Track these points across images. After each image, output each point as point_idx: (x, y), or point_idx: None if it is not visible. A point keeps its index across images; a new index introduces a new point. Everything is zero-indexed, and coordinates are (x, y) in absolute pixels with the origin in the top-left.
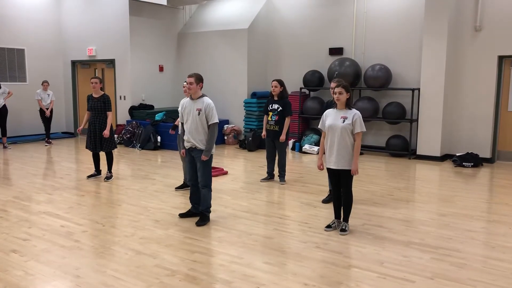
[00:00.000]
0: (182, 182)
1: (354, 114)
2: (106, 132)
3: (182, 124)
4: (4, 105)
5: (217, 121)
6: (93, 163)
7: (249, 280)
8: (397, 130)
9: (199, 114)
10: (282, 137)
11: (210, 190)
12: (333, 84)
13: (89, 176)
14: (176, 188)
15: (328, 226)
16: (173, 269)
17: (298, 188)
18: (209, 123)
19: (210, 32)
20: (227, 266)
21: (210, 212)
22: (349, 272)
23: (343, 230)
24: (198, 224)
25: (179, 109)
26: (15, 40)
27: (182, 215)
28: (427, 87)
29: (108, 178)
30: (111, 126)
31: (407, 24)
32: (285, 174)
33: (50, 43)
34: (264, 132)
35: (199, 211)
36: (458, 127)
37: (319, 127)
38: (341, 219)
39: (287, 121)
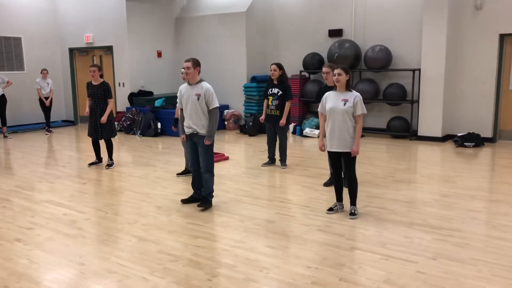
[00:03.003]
0: (183, 168)
1: (355, 96)
2: (103, 119)
3: (182, 110)
4: (3, 95)
5: (218, 105)
6: (93, 151)
7: (252, 264)
8: (398, 112)
9: (198, 99)
10: (282, 121)
11: (212, 174)
12: (324, 69)
13: (90, 164)
14: (177, 174)
15: (330, 209)
16: (176, 255)
17: (300, 171)
18: (209, 108)
19: (208, 16)
20: (230, 250)
21: (212, 197)
22: (352, 254)
23: (352, 214)
24: (200, 206)
25: (178, 95)
26: (11, 29)
27: (184, 201)
28: (428, 68)
29: (110, 165)
30: (112, 113)
31: (407, 4)
32: (286, 159)
33: (47, 31)
34: (263, 117)
35: (202, 196)
36: (459, 107)
37: (318, 110)
38: (342, 201)
39: (288, 105)
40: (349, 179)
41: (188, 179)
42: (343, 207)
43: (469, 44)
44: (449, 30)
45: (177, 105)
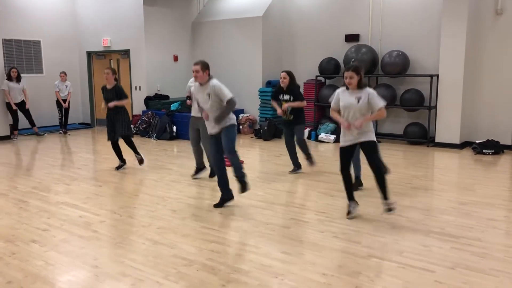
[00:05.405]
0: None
1: (369, 93)
2: (112, 104)
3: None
4: (23, 101)
5: (231, 96)
6: (114, 155)
7: (266, 270)
8: (415, 118)
9: (209, 98)
10: (291, 104)
11: (236, 155)
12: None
13: (117, 168)
14: (193, 176)
15: (349, 212)
16: (190, 259)
17: (315, 177)
18: (224, 103)
19: (224, 20)
20: (244, 256)
21: (245, 175)
22: (368, 262)
23: (390, 210)
24: (242, 191)
25: (188, 84)
26: (31, 32)
27: (216, 206)
28: (446, 73)
29: (141, 161)
30: (127, 113)
31: (425, 9)
32: (311, 156)
33: (65, 35)
34: (279, 110)
35: (237, 180)
36: (478, 113)
37: (329, 100)
38: (355, 199)
39: (300, 103)
40: (377, 171)
41: (202, 182)
42: (357, 204)
43: (489, 50)
44: (468, 35)
45: (186, 89)
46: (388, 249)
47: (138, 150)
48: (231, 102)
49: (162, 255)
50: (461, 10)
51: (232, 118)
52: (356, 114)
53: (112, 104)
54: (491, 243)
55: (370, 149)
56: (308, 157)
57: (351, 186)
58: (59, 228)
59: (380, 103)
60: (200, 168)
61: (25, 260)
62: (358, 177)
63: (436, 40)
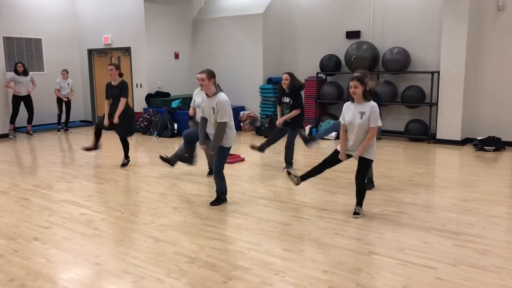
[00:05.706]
0: (208, 169)
1: (371, 107)
2: (116, 119)
3: (202, 118)
4: (29, 95)
5: (226, 120)
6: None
7: (268, 267)
8: (417, 114)
9: (213, 112)
10: (279, 121)
11: (222, 178)
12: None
13: (87, 149)
14: (161, 156)
15: (289, 173)
16: (192, 256)
17: None
18: (218, 120)
19: (225, 17)
20: (245, 253)
21: (225, 194)
22: (369, 259)
23: (356, 213)
24: (213, 204)
25: (193, 96)
26: (32, 30)
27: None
28: (447, 70)
29: (125, 165)
30: (131, 111)
31: (426, 5)
32: (291, 162)
33: (66, 32)
34: (279, 121)
35: (216, 196)
36: (479, 110)
37: (340, 119)
38: (300, 180)
39: (295, 112)
40: (360, 183)
41: (202, 179)
42: (298, 182)
43: (490, 46)
44: (470, 31)
45: (191, 105)
46: (389, 246)
47: (129, 155)
48: (222, 126)
49: (163, 253)
50: (462, 6)
51: (231, 137)
52: (360, 130)
53: (116, 119)
54: (492, 240)
55: (364, 165)
56: (288, 164)
57: (315, 174)
58: (61, 225)
59: (374, 123)
60: (170, 162)
61: (27, 258)
62: (369, 178)
63: (437, 36)
